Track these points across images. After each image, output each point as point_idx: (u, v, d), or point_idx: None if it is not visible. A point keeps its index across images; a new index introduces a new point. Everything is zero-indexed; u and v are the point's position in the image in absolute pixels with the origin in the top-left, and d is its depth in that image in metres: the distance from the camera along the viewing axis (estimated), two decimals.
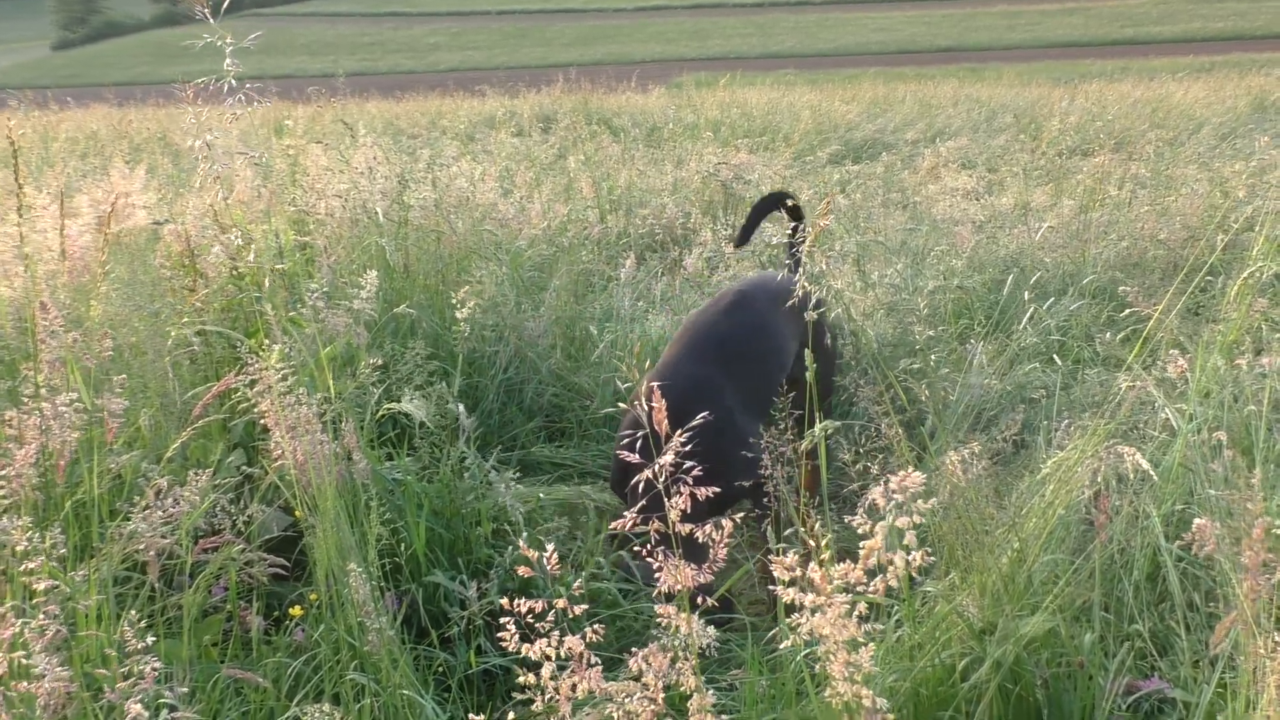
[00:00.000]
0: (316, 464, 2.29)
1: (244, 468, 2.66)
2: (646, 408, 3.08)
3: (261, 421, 2.40)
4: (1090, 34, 51.72)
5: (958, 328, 4.68)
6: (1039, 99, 18.45)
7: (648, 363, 4.04)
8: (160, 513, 1.99)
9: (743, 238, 4.02)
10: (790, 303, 2.54)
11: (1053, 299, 5.00)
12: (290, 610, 2.34)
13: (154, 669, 1.49)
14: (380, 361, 2.74)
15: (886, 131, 15.27)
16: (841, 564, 1.39)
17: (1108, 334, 4.56)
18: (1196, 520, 1.79)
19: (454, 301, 3.05)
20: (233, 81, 2.82)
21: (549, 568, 1.68)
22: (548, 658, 1.52)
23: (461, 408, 2.91)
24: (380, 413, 2.84)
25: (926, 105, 18.39)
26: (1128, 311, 4.12)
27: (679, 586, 1.57)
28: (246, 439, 2.88)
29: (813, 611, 1.39)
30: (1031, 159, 11.22)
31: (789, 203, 3.92)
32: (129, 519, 2.04)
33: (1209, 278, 5.28)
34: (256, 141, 10.16)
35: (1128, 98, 17.32)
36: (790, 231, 3.94)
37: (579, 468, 4.04)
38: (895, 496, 1.54)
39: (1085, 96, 17.64)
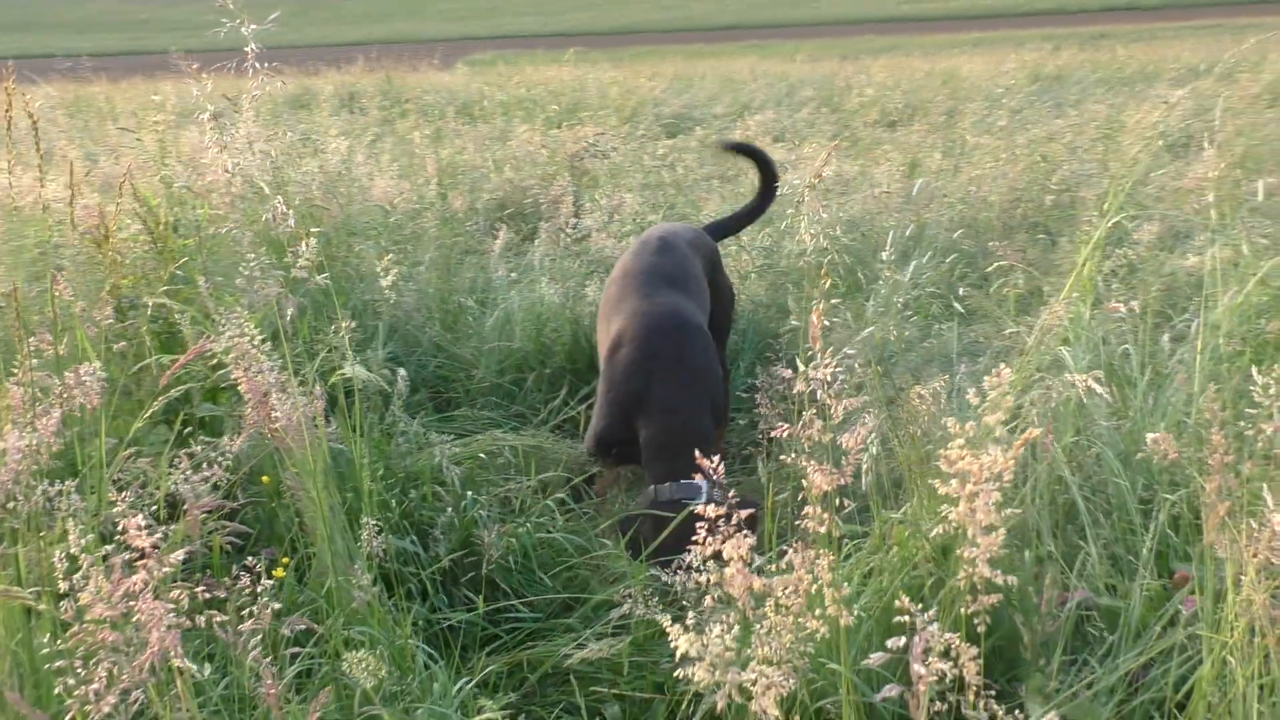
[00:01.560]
0: (296, 427, 2.31)
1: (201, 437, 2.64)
2: (636, 341, 3.21)
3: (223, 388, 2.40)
4: (867, 11, 53.51)
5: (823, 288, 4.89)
6: (832, 73, 19.08)
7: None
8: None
9: (730, 148, 4.81)
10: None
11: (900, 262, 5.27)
12: (275, 572, 2.35)
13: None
14: (351, 323, 2.75)
15: (694, 106, 15.54)
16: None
17: (960, 289, 4.87)
18: (1152, 435, 1.98)
19: (379, 270, 3.08)
20: None
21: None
22: None
23: (402, 372, 2.95)
24: (332, 379, 2.86)
25: (728, 81, 18.77)
26: (994, 265, 4.42)
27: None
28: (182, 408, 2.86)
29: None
30: (837, 130, 11.66)
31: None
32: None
33: (1043, 235, 5.67)
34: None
35: (919, 71, 18.08)
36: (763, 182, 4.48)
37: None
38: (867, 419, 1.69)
39: (877, 71, 18.30)
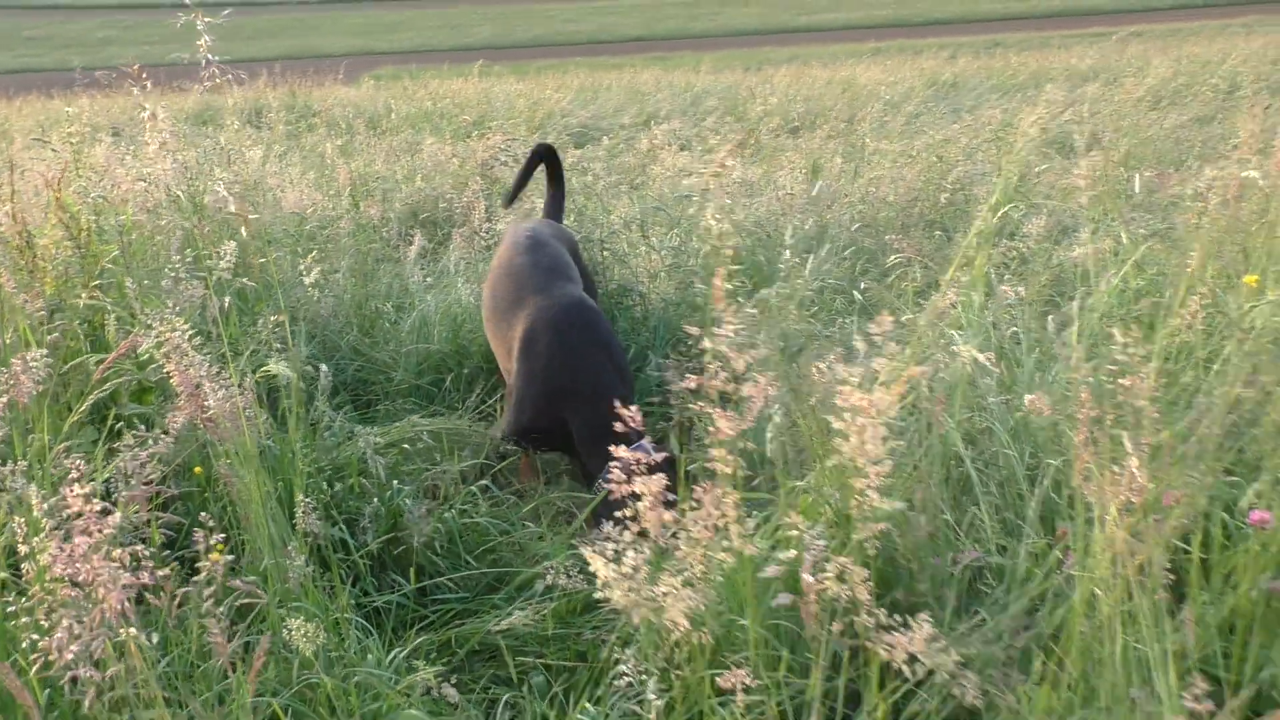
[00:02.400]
0: (229, 418, 2.42)
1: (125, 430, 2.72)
2: (551, 334, 3.36)
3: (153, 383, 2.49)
4: (768, 22, 54.09)
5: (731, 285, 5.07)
6: (736, 83, 19.42)
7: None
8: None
9: (513, 195, 4.87)
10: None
11: (802, 258, 5.48)
12: (211, 555, 2.45)
13: None
14: (282, 317, 2.86)
15: (600, 117, 15.75)
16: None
17: (862, 283, 5.09)
18: (1029, 396, 2.17)
19: (301, 269, 3.19)
20: None
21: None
22: None
23: (324, 367, 3.07)
24: (258, 374, 2.96)
25: (634, 92, 19.01)
26: (892, 259, 4.63)
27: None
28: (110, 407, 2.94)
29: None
30: (742, 137, 11.91)
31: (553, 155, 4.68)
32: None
33: (939, 232, 5.92)
34: None
35: (819, 80, 18.48)
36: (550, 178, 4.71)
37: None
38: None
39: (780, 80, 18.67)
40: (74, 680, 1.54)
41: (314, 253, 3.12)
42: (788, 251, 5.24)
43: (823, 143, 10.19)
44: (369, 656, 2.35)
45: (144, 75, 4.03)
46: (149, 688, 1.67)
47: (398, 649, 2.46)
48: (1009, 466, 3.06)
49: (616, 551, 1.67)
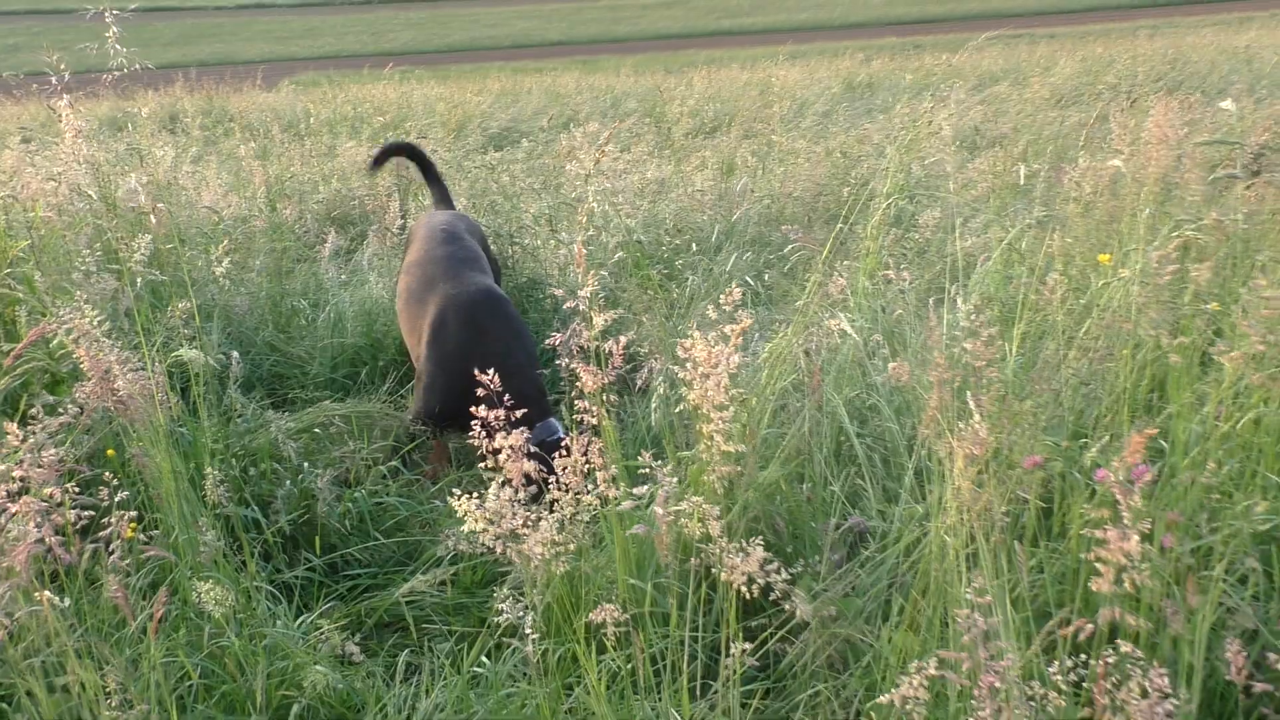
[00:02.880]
0: (140, 400, 2.53)
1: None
2: (461, 319, 3.49)
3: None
4: (690, 26, 54.42)
5: (639, 278, 5.24)
6: (656, 85, 19.63)
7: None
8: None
9: (375, 165, 5.21)
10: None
11: (710, 252, 5.66)
12: (125, 533, 2.55)
13: None
14: (190, 305, 2.96)
15: (520, 120, 15.86)
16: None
17: (767, 274, 5.28)
18: (892, 364, 2.35)
19: (213, 258, 3.30)
20: None
21: None
22: None
23: (236, 354, 3.18)
24: (168, 360, 3.06)
25: (554, 95, 19.13)
26: (790, 247, 4.82)
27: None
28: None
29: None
30: (659, 139, 12.10)
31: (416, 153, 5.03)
32: None
33: (841, 225, 6.12)
34: None
35: (736, 81, 18.73)
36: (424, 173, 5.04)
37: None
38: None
39: (698, 81, 18.89)
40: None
41: (224, 243, 3.22)
42: (695, 245, 5.45)
43: (736, 143, 10.38)
44: (278, 623, 2.48)
45: (63, 68, 4.09)
46: (61, 643, 1.79)
47: (306, 615, 2.58)
48: (892, 440, 3.25)
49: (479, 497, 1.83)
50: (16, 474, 1.75)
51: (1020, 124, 9.05)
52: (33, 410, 2.76)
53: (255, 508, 3.07)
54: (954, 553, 2.06)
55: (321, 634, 2.44)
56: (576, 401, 1.88)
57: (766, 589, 1.77)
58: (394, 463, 3.43)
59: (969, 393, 2.09)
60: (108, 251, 3.79)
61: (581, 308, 1.90)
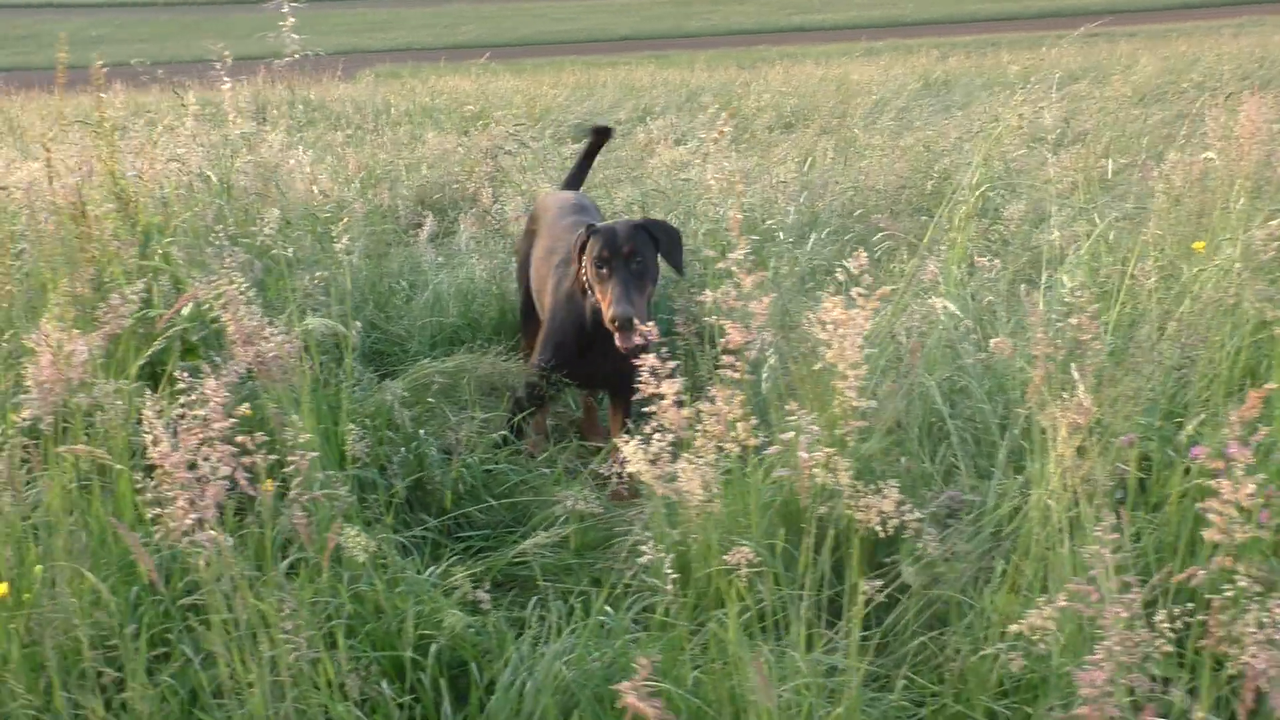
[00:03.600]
0: (283, 365, 2.71)
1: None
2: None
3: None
4: (762, 22, 54.37)
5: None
6: (730, 80, 19.75)
7: None
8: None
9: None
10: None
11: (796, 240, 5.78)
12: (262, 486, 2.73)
13: None
14: (323, 275, 3.14)
15: (596, 113, 16.02)
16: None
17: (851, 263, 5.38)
18: (994, 340, 2.47)
19: (333, 234, 3.48)
20: None
21: None
22: None
23: (357, 324, 3.36)
24: (300, 330, 3.24)
25: (629, 88, 19.29)
26: (879, 236, 4.93)
27: None
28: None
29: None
30: (737, 132, 12.21)
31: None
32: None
33: (925, 216, 6.22)
34: None
35: (812, 77, 18.79)
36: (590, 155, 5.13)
37: None
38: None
39: (773, 77, 18.98)
40: (192, 545, 1.84)
41: (344, 219, 3.39)
42: (781, 234, 5.57)
43: (815, 137, 10.47)
44: (408, 572, 2.64)
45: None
46: (236, 573, 1.96)
47: (434, 567, 2.74)
48: (983, 419, 3.36)
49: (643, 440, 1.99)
50: (209, 423, 1.92)
51: (1103, 121, 9.06)
52: (176, 373, 2.96)
53: (374, 471, 3.24)
54: (1057, 516, 2.17)
55: (454, 581, 2.60)
56: (723, 356, 2.02)
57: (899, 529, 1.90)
58: (503, 432, 3.58)
59: (1073, 364, 2.21)
60: (235, 227, 3.98)
61: (734, 269, 2.04)
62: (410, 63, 27.48)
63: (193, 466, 1.85)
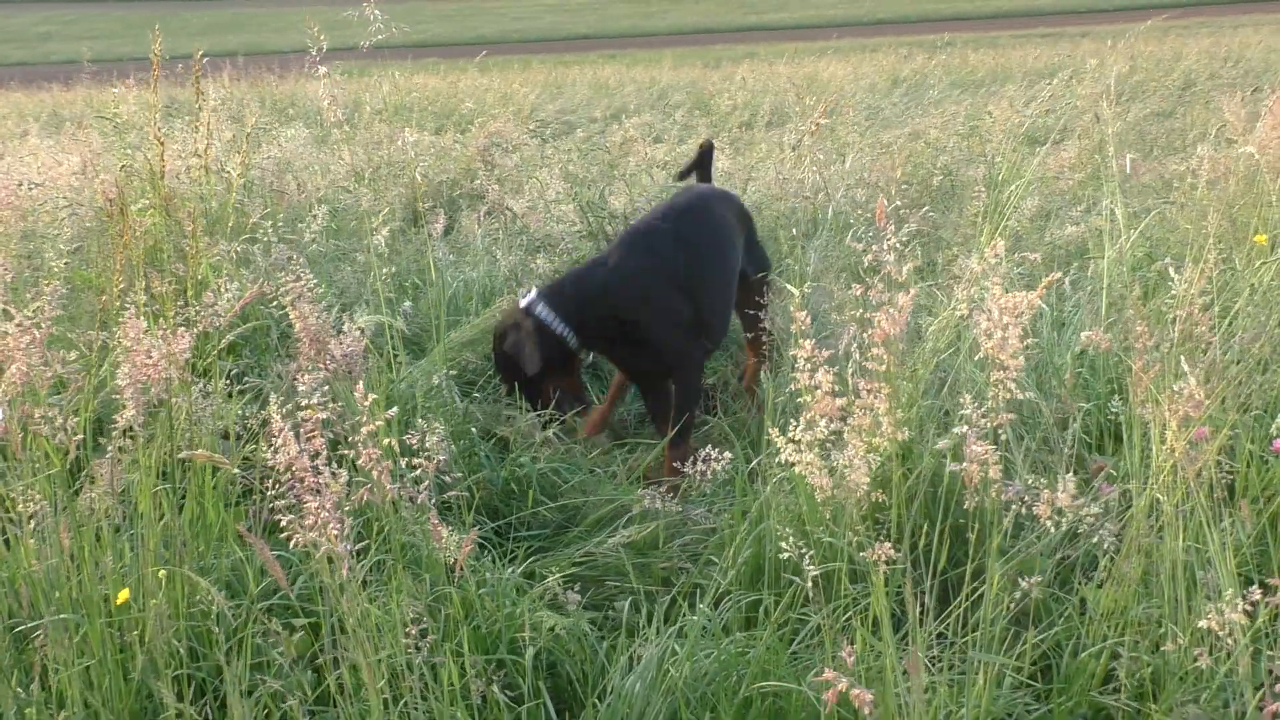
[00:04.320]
0: (350, 360, 2.65)
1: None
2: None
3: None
4: (720, 20, 54.49)
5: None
6: (698, 79, 19.76)
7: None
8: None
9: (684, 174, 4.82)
10: None
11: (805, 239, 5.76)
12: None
13: None
14: (390, 270, 3.08)
15: (569, 111, 15.99)
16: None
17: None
18: (1085, 333, 2.45)
19: (372, 227, 3.42)
20: None
21: None
22: None
23: (406, 305, 3.30)
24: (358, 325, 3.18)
25: (600, 87, 19.27)
26: (904, 230, 4.91)
27: None
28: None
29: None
30: (711, 132, 12.20)
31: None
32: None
33: (932, 213, 6.22)
34: None
35: (779, 76, 18.80)
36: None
37: None
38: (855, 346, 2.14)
39: (743, 76, 18.99)
40: (325, 556, 1.78)
41: (384, 213, 3.33)
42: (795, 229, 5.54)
43: (795, 135, 10.47)
44: (487, 576, 2.59)
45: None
46: (356, 577, 1.90)
47: (510, 568, 2.69)
48: (1035, 416, 3.34)
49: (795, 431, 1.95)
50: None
51: (1089, 119, 9.11)
52: (233, 372, 2.89)
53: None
54: (1170, 509, 2.15)
55: (544, 582, 2.55)
56: (871, 350, 1.98)
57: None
58: (549, 432, 3.52)
59: (1182, 356, 2.19)
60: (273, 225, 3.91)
61: (887, 259, 2.02)
62: (380, 59, 27.29)
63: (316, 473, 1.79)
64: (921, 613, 2.08)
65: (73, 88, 19.81)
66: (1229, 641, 1.80)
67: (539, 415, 3.56)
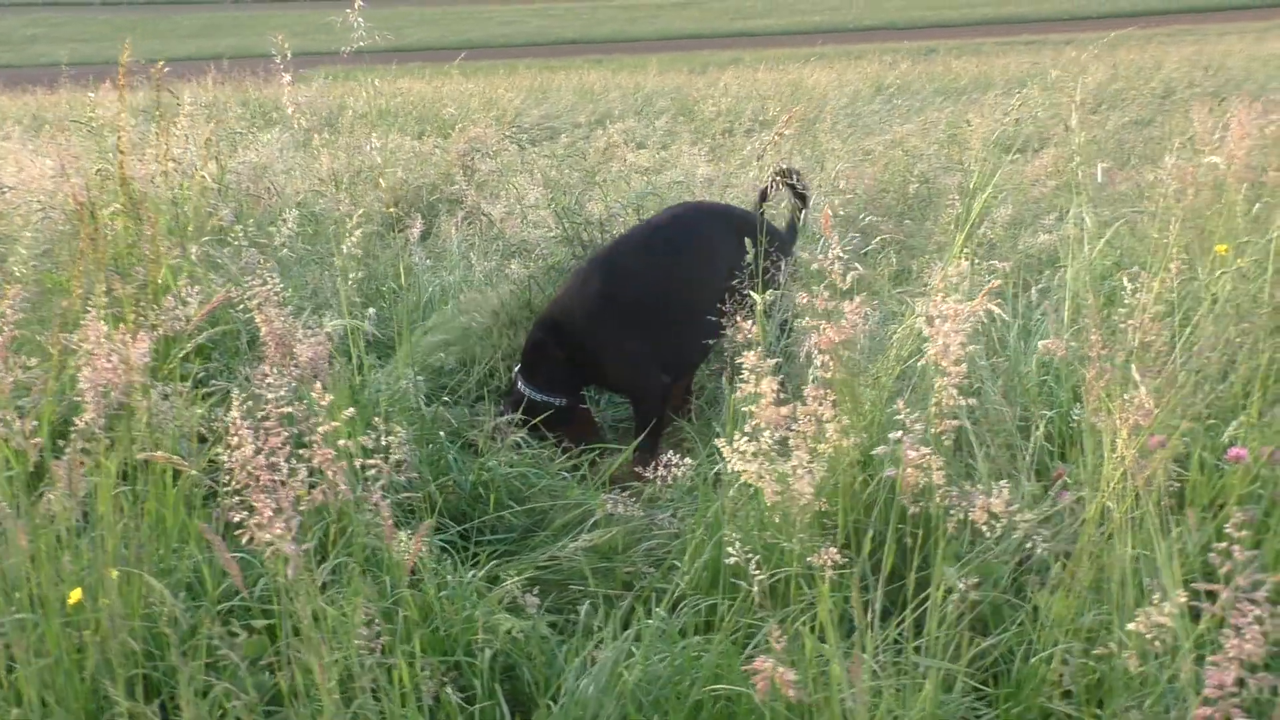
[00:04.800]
0: (315, 364, 2.66)
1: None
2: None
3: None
4: (706, 26, 54.57)
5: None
6: (683, 84, 19.81)
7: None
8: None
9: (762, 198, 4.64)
10: None
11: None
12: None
13: None
14: (356, 276, 3.10)
15: (553, 116, 16.01)
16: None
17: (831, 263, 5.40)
18: (1043, 342, 2.48)
19: (346, 230, 3.43)
20: None
21: None
22: None
23: (371, 310, 3.31)
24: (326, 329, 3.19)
25: (583, 92, 19.29)
26: (878, 239, 4.95)
27: None
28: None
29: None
30: (696, 137, 12.26)
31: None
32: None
33: (908, 220, 6.26)
34: None
35: (764, 82, 18.87)
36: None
37: None
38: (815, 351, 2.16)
39: (728, 81, 19.06)
40: (275, 553, 1.79)
41: (355, 217, 3.34)
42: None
43: (780, 141, 10.52)
44: (447, 578, 2.60)
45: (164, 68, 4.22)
46: (311, 576, 1.92)
47: (472, 570, 2.71)
48: (1001, 422, 3.37)
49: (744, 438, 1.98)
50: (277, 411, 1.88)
51: (1066, 127, 9.18)
52: (199, 375, 2.90)
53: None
54: (1119, 517, 2.18)
55: (503, 585, 2.57)
56: (817, 355, 2.01)
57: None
58: (519, 434, 3.54)
59: (1133, 365, 2.22)
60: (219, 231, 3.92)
61: (831, 268, 2.04)
62: (363, 64, 27.28)
63: (274, 471, 1.81)
64: (873, 617, 2.10)
65: (56, 91, 19.79)
66: (1156, 645, 1.82)
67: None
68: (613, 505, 2.93)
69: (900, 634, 2.29)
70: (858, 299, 2.02)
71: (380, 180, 7.16)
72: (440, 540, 3.08)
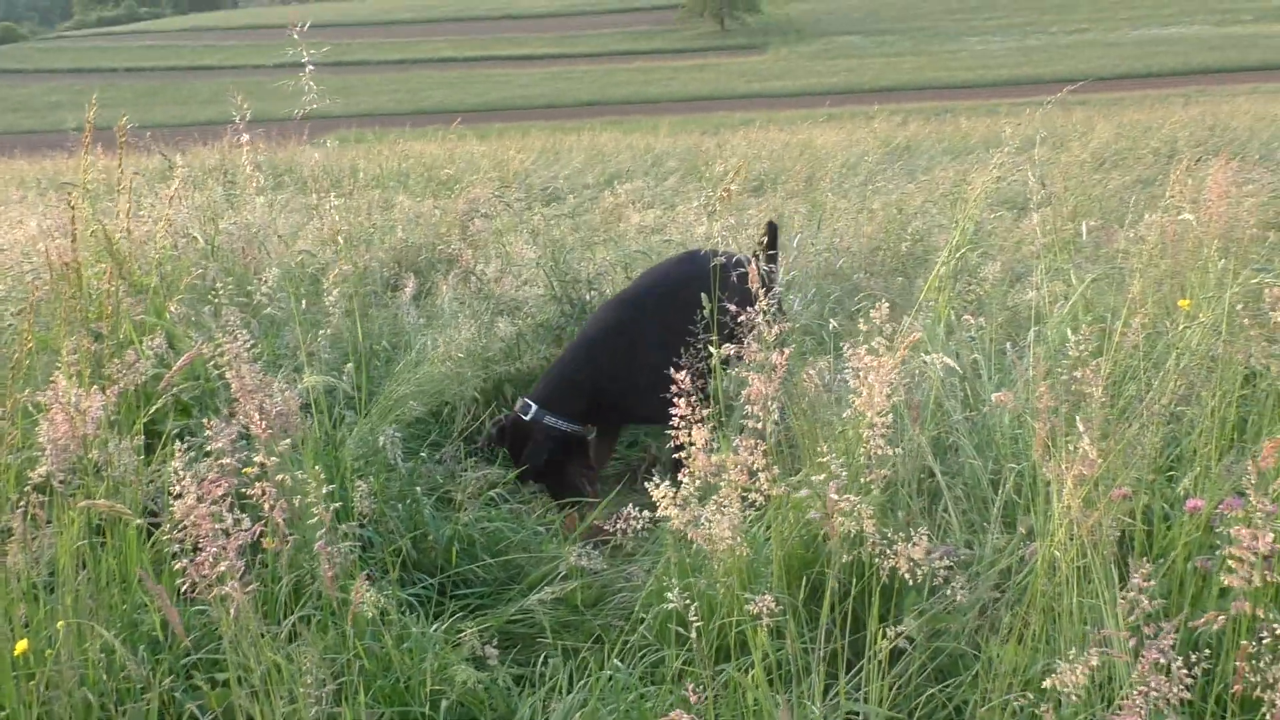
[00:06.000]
0: (285, 419, 2.71)
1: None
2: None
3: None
4: (721, 88, 55.09)
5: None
6: (695, 145, 20.01)
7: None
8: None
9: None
10: None
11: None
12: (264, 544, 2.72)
13: None
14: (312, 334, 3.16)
15: (562, 177, 16.19)
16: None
17: (832, 322, 5.45)
18: (996, 394, 2.51)
19: (325, 285, 3.50)
20: None
21: None
22: None
23: (349, 366, 3.37)
24: (301, 387, 3.25)
25: (596, 153, 19.50)
26: (861, 296, 5.00)
27: None
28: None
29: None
30: (703, 199, 12.35)
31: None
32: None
33: (901, 277, 6.31)
34: None
35: (776, 141, 19.04)
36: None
37: None
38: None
39: (738, 143, 19.26)
40: (218, 597, 1.83)
41: (335, 271, 3.41)
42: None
43: (784, 200, 10.61)
44: (411, 630, 2.63)
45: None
46: (255, 626, 1.96)
47: (436, 623, 2.74)
48: (974, 476, 3.40)
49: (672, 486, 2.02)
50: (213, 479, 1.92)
51: (1066, 186, 9.25)
52: (175, 431, 2.95)
53: (372, 526, 3.24)
54: (1065, 568, 2.20)
55: (462, 636, 2.59)
56: (746, 406, 2.05)
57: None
58: (497, 490, 3.59)
59: (1078, 417, 2.25)
60: (206, 290, 3.98)
61: (759, 321, 2.09)
62: (377, 128, 27.62)
63: (216, 519, 1.86)
64: (819, 664, 2.12)
65: (75, 155, 20.10)
66: (1073, 699, 1.84)
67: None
68: (577, 558, 2.96)
69: (856, 683, 2.31)
70: (786, 350, 2.06)
71: (379, 239, 7.27)
72: (412, 594, 3.11)
